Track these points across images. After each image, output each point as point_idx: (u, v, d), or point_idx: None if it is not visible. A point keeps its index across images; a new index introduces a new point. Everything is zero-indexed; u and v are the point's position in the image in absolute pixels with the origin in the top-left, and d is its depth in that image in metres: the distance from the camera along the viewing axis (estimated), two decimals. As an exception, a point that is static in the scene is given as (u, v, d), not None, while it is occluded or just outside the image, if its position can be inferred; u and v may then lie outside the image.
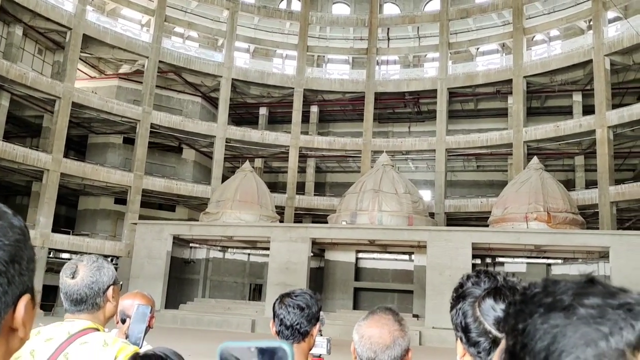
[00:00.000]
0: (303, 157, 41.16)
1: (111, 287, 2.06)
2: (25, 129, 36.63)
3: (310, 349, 2.12)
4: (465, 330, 1.21)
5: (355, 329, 1.64)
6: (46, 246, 30.65)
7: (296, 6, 43.48)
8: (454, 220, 36.77)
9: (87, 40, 34.44)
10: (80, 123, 36.25)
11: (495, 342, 1.17)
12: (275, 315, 2.14)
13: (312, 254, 29.20)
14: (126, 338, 2.29)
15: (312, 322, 2.14)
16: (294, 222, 36.77)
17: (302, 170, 41.87)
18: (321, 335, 2.27)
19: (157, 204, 39.21)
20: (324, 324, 2.23)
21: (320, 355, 2.31)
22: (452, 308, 1.27)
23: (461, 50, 41.51)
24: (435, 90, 39.04)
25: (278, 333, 2.10)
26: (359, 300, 31.32)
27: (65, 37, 33.70)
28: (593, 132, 32.45)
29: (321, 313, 2.19)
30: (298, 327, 2.07)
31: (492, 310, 1.19)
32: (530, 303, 0.58)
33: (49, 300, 32.24)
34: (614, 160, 32.90)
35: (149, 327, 2.37)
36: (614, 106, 32.53)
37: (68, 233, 33.15)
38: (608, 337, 0.52)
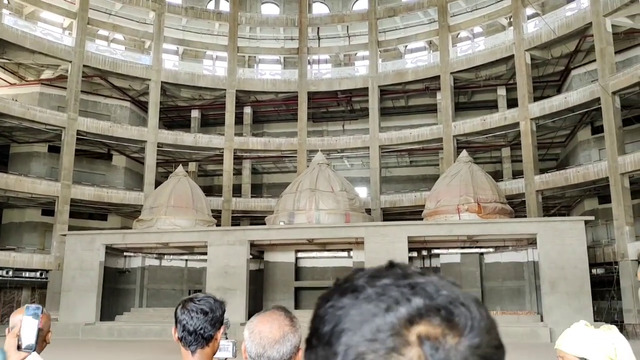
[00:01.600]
0: (238, 159, 40.80)
1: None
2: (-61, 140, 34.57)
3: (214, 353, 2.08)
4: None
5: (246, 326, 1.60)
6: (-32, 263, 28.99)
7: (225, 7, 43.01)
8: (390, 215, 37.43)
9: (5, 45, 32.83)
10: (1, 132, 34.54)
11: None
12: (177, 321, 2.07)
13: (251, 256, 28.96)
14: (18, 342, 2.17)
15: (217, 327, 2.10)
16: (232, 225, 36.39)
17: (238, 172, 41.49)
18: (227, 338, 2.24)
19: (88, 214, 37.88)
20: (229, 326, 2.19)
21: (226, 358, 2.28)
22: None
23: (390, 49, 42.29)
24: (366, 89, 39.58)
25: (181, 339, 2.04)
26: (300, 300, 31.31)
27: (-21, 43, 31.99)
28: (517, 124, 33.79)
29: (226, 316, 2.16)
30: (202, 332, 2.02)
31: None
32: (330, 292, 0.59)
33: (-26, 320, 30.54)
34: (538, 150, 34.38)
35: (45, 341, 2.25)
36: (536, 99, 34.00)
37: (-8, 248, 31.51)
38: (384, 313, 0.53)
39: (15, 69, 37.62)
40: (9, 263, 30.72)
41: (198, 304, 2.10)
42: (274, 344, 1.44)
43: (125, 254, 32.47)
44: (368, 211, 34.58)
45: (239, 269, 27.58)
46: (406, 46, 42.24)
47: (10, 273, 30.72)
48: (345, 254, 31.61)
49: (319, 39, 43.83)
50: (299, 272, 31.95)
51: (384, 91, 40.06)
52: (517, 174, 36.18)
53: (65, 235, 30.67)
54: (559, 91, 36.32)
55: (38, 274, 31.69)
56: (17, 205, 35.49)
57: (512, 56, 34.56)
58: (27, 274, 31.44)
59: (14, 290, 32.39)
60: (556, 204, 36.88)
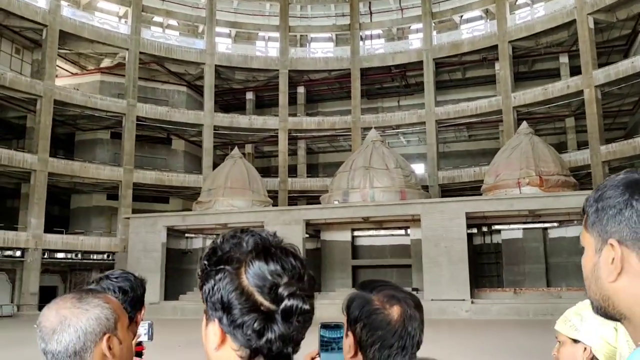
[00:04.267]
0: (293, 140, 40.88)
1: None
2: (9, 130, 36.25)
3: (134, 338, 1.90)
4: (227, 308, 0.91)
5: None
6: (39, 247, 30.48)
7: (275, -14, 42.78)
8: (449, 191, 36.64)
9: (65, 36, 33.91)
10: (65, 121, 35.88)
11: (269, 318, 0.89)
12: None
13: (307, 236, 29.09)
14: None
15: (137, 308, 1.91)
16: (289, 205, 36.63)
17: (293, 152, 41.62)
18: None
19: (151, 197, 38.99)
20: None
21: (141, 342, 2.08)
22: (203, 283, 0.95)
23: (445, 20, 41.00)
24: (421, 62, 38.64)
25: None
26: (358, 278, 31.23)
27: (41, 35, 33.17)
28: (581, 92, 32.16)
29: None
30: None
31: (264, 275, 0.91)
32: None
33: (48, 301, 32.10)
34: (604, 119, 32.69)
35: None
36: (601, 65, 32.20)
37: (61, 233, 32.97)
38: None
39: (76, 59, 38.90)
40: (78, 246, 32.10)
41: (115, 282, 1.90)
42: (52, 334, 1.14)
43: (186, 235, 33.29)
44: (425, 188, 33.97)
45: (296, 248, 27.70)
46: (462, 16, 40.81)
47: (79, 256, 32.13)
48: (402, 231, 31.24)
49: (370, 13, 43.00)
50: (356, 250, 31.86)
51: (439, 64, 38.99)
52: (582, 144, 34.54)
53: (128, 218, 31.72)
54: (625, 56, 34.24)
55: (105, 256, 33.00)
56: (84, 191, 36.93)
57: (574, 21, 32.78)
58: (95, 257, 32.81)
59: (84, 272, 33.89)
60: (625, 175, 34.99)
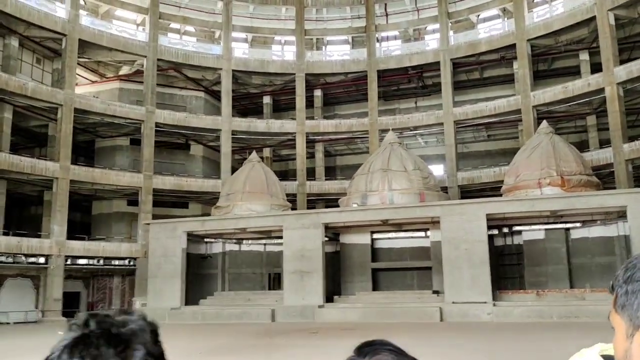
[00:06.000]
0: (311, 143, 40.88)
1: None
2: (32, 139, 36.80)
3: None
4: None
5: None
6: (62, 254, 30.85)
7: (290, -10, 42.87)
8: (469, 192, 36.33)
9: (84, 44, 34.34)
10: (86, 129, 36.32)
11: None
12: None
13: (326, 239, 29.00)
14: None
15: None
16: (307, 208, 36.63)
17: (311, 155, 41.61)
18: None
19: (171, 202, 39.26)
20: None
21: None
22: None
23: (461, 19, 40.73)
24: (438, 63, 38.41)
25: None
26: (379, 281, 31.11)
27: (61, 44, 33.62)
28: (602, 90, 31.69)
29: None
30: None
31: None
32: None
33: (72, 307, 32.51)
34: (627, 117, 32.15)
35: None
36: (622, 62, 31.70)
37: (83, 239, 33.33)
38: None
39: (95, 67, 39.36)
40: (99, 252, 32.44)
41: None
42: None
43: (206, 240, 33.41)
44: (444, 189, 33.70)
45: (315, 251, 27.68)
46: (478, 15, 40.50)
47: (101, 261, 32.46)
48: (422, 233, 31.01)
49: (386, 15, 42.88)
50: (375, 253, 31.69)
51: (456, 64, 38.72)
52: (604, 143, 34.01)
53: (149, 224, 31.93)
54: (648, 51, 33.68)
55: (126, 261, 33.29)
56: (105, 197, 37.32)
57: (594, 18, 32.34)
58: (117, 262, 33.12)
59: (106, 277, 34.22)
60: (649, 173, 34.41)
